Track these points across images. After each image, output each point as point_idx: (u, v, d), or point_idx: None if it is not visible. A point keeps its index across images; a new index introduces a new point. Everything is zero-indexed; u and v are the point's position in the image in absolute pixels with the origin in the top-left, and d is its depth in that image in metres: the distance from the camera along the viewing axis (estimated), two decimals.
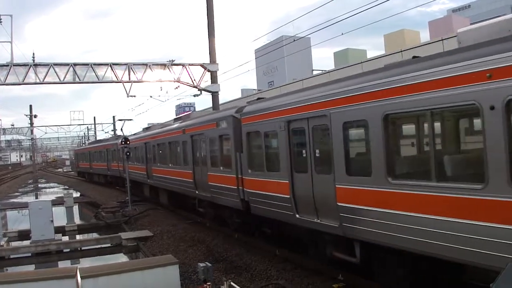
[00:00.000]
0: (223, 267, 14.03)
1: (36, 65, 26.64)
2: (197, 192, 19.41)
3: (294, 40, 28.08)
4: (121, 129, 41.86)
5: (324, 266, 12.22)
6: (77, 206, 33.00)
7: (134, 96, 29.43)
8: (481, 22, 8.47)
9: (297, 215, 11.81)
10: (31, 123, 78.32)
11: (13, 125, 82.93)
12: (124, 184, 33.82)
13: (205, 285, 9.27)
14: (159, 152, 26.24)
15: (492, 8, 76.54)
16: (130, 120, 48.88)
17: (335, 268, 11.77)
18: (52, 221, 19.93)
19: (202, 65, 29.33)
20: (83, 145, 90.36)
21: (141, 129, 37.89)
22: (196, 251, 16.57)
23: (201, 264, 10.42)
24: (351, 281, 11.14)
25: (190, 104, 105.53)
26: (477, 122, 7.47)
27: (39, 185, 65.11)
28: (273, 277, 12.50)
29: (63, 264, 18.32)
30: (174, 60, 28.81)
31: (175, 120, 26.09)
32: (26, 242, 20.33)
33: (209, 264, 10.47)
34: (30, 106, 77.97)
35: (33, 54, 27.11)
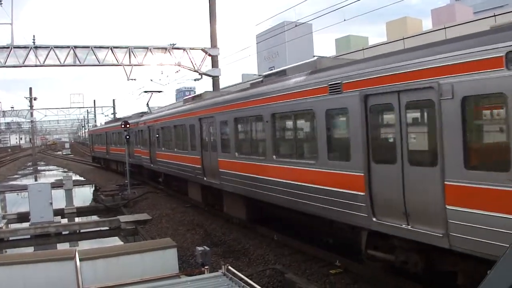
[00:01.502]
0: (221, 251, 14.10)
1: (36, 47, 26.53)
2: (375, 219, 9.25)
3: (295, 26, 27.91)
4: (147, 104, 34.07)
5: (322, 252, 12.28)
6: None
7: (135, 79, 29.40)
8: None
9: None
10: (31, 106, 78.16)
11: (13, 107, 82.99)
12: (156, 179, 29.08)
13: (203, 269, 9.28)
14: (238, 133, 15.53)
15: None
16: (160, 92, 34.20)
17: (333, 254, 11.84)
18: (51, 203, 19.98)
19: (203, 49, 29.25)
20: (82, 128, 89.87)
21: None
22: (194, 235, 16.63)
23: (199, 248, 10.43)
24: (348, 267, 11.20)
25: (191, 88, 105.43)
26: None
27: (39, 168, 65.11)
28: (271, 261, 12.56)
29: (62, 247, 18.40)
30: (175, 44, 28.72)
31: (268, 76, 15.05)
32: (25, 224, 20.38)
33: (207, 248, 10.48)
34: (30, 88, 77.71)
35: (34, 36, 27.03)
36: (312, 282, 10.34)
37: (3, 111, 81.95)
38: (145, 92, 33.43)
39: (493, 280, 4.65)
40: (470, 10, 44.96)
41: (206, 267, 9.35)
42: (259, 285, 7.99)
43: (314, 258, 12.26)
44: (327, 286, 10.34)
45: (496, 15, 21.94)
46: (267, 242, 14.33)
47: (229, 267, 8.47)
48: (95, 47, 27.59)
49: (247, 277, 8.28)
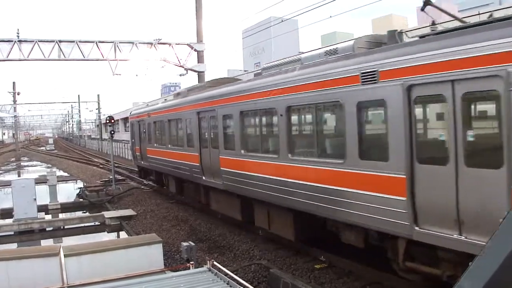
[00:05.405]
0: (206, 247, 14.14)
1: (20, 41, 26.28)
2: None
3: (282, 21, 27.90)
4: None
5: (307, 247, 12.35)
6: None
7: (120, 74, 29.23)
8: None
9: None
10: (14, 101, 77.43)
11: None
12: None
13: (188, 264, 9.32)
14: None
15: None
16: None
17: (317, 249, 11.92)
18: (35, 199, 19.81)
19: (189, 45, 29.20)
20: (66, 123, 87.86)
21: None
22: (179, 230, 16.64)
23: (185, 244, 10.49)
24: (333, 262, 11.30)
25: (176, 83, 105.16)
26: None
27: (22, 163, 64.46)
28: (256, 257, 12.61)
29: (46, 243, 18.24)
30: (161, 39, 28.62)
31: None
32: (9, 221, 20.18)
33: (192, 244, 10.54)
34: (13, 83, 77.04)
35: (18, 30, 26.75)
36: (297, 277, 10.41)
37: None
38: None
39: (476, 269, 4.82)
40: (456, 8, 45.35)
41: (192, 262, 9.40)
42: (244, 280, 8.05)
43: (299, 253, 12.35)
44: (312, 281, 10.42)
45: (481, 14, 22.16)
46: (252, 238, 14.38)
47: (214, 263, 8.52)
48: (80, 41, 27.43)
49: (232, 272, 8.35)
